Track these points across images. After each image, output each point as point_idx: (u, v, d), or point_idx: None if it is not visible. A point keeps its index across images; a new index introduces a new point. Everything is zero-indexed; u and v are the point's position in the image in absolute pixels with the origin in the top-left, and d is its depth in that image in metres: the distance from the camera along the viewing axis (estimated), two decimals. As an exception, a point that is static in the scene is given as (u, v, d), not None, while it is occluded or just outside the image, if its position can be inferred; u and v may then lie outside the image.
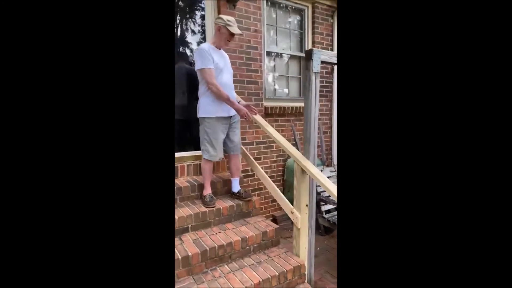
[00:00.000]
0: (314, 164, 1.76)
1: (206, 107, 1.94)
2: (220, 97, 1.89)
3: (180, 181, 2.15)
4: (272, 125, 2.82)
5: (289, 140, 2.89)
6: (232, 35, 1.91)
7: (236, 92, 2.51)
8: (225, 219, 1.97)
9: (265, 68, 2.80)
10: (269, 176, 2.84)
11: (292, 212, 1.81)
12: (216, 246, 1.65)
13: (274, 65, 2.97)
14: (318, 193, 2.40)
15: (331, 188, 1.53)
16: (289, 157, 2.96)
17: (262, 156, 2.78)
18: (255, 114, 2.12)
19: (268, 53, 2.85)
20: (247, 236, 1.78)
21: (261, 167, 2.77)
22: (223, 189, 2.22)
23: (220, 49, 1.99)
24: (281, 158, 2.93)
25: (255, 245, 1.82)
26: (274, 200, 2.83)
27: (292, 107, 2.95)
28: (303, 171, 1.72)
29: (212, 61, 1.87)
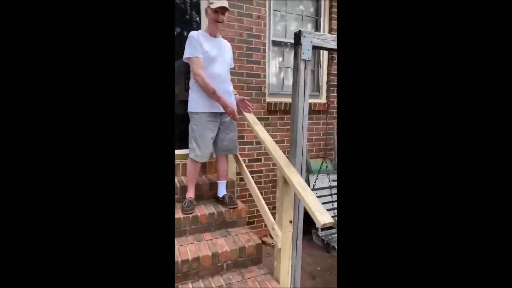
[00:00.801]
0: (301, 172, 1.45)
1: (193, 101, 1.74)
2: (206, 90, 1.67)
3: (163, 182, 1.99)
4: (276, 124, 2.54)
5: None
6: (215, 12, 1.66)
7: (233, 86, 2.27)
8: (203, 228, 1.75)
9: (270, 59, 2.50)
10: (270, 181, 2.56)
11: (273, 229, 1.52)
12: (180, 260, 1.44)
13: (283, 57, 2.65)
14: (314, 206, 2.05)
15: (312, 204, 1.21)
16: (296, 160, 2.63)
17: (262, 157, 2.50)
18: (250, 112, 1.86)
19: (275, 43, 2.54)
20: (220, 252, 1.54)
21: (263, 169, 2.51)
22: (210, 192, 2.01)
23: (215, 36, 1.76)
24: (286, 161, 2.61)
25: (229, 262, 1.57)
26: (275, 208, 2.54)
27: (301, 104, 2.60)
28: (286, 181, 1.42)
29: (201, 50, 1.66)
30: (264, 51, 2.41)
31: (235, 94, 1.91)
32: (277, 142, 2.44)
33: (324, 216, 1.17)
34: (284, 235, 1.46)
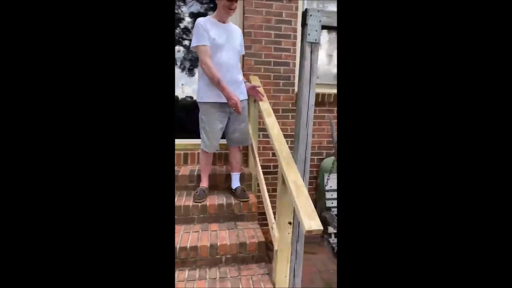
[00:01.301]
0: (304, 170, 1.30)
1: (201, 91, 1.72)
2: (212, 80, 1.63)
3: (183, 169, 2.06)
4: (306, 116, 2.35)
5: (328, 136, 2.35)
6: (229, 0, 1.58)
7: (259, 75, 2.19)
8: (211, 218, 1.75)
9: (302, 46, 2.30)
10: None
11: (272, 228, 1.42)
12: (178, 247, 1.47)
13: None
14: (327, 209, 1.82)
15: (302, 206, 1.07)
16: (326, 156, 2.41)
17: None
18: (261, 100, 1.76)
19: (310, 28, 2.33)
20: (219, 244, 1.51)
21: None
22: (226, 184, 1.99)
23: (224, 22, 1.70)
24: (315, 157, 2.41)
25: (228, 255, 1.53)
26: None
27: (336, 95, 2.35)
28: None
29: (208, 37, 1.61)
30: (295, 37, 2.24)
31: (245, 82, 1.82)
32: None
33: (312, 221, 1.03)
34: (282, 236, 1.34)
